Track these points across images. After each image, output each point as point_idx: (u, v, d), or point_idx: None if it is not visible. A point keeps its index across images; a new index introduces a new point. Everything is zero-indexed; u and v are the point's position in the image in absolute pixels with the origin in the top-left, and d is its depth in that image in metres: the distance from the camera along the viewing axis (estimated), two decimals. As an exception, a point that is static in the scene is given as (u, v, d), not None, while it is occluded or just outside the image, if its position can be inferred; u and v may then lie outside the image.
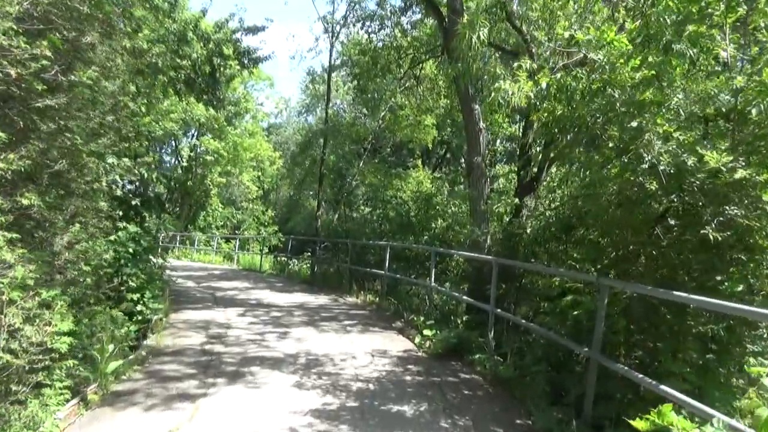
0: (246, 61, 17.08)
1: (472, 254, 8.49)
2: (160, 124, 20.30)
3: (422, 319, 8.26)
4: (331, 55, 16.92)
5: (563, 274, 5.82)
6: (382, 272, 11.31)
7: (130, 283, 8.60)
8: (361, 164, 17.22)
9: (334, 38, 17.04)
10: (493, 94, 5.13)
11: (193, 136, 28.61)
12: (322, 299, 11.51)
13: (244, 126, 30.98)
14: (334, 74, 19.76)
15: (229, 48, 16.69)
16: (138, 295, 8.98)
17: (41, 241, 5.59)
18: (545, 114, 4.68)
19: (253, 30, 16.82)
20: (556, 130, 4.95)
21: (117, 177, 9.70)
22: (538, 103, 4.57)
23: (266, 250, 26.43)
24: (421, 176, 17.01)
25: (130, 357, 6.08)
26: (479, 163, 9.62)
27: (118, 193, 9.39)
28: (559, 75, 4.29)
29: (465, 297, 7.92)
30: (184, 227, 29.28)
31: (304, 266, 17.46)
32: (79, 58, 6.03)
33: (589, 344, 4.63)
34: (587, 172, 4.93)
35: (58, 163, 5.07)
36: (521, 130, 11.62)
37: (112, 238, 9.59)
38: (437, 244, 13.34)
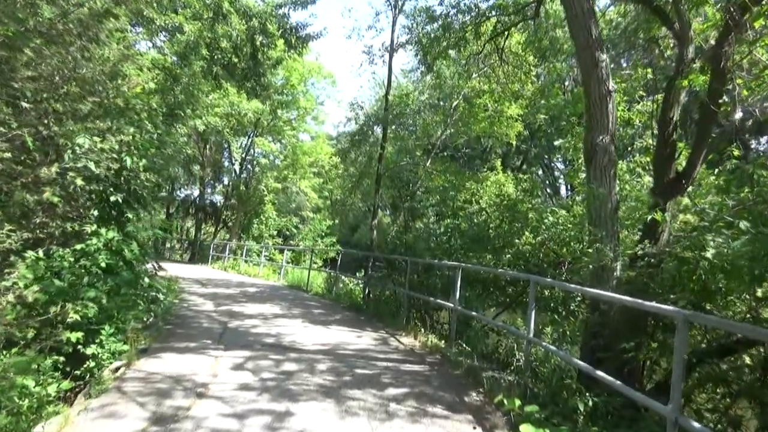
0: (293, 40, 14.44)
1: (621, 296, 4.99)
2: (204, 119, 18.11)
3: (517, 400, 4.87)
4: (393, 31, 13.93)
5: None
6: (451, 304, 8.02)
7: (73, 314, 5.83)
8: (428, 163, 14.04)
9: (397, 11, 14.05)
10: None
11: (248, 137, 26.55)
12: (366, 339, 8.36)
13: (304, 128, 28.67)
14: (397, 74, 16.79)
15: (274, 24, 14.10)
16: (92, 332, 6.28)
17: None
18: None
19: (302, 3, 14.16)
20: None
21: (91, 163, 7.16)
22: None
23: (320, 263, 23.81)
24: (501, 179, 13.57)
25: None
26: (606, 145, 6.19)
27: (78, 184, 6.75)
28: None
29: (602, 374, 4.46)
30: (237, 236, 27.27)
31: (358, 287, 14.43)
32: None
33: None
34: None
35: None
36: (660, 104, 7.99)
37: (78, 246, 7.02)
38: (521, 266, 10.01)
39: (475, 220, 10.18)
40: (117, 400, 4.76)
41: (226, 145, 26.35)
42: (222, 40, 14.21)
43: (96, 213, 7.46)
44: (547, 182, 34.38)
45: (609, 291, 5.58)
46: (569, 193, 32.89)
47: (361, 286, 14.18)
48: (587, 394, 4.99)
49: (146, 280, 8.05)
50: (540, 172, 33.42)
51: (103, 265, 6.96)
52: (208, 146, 28.12)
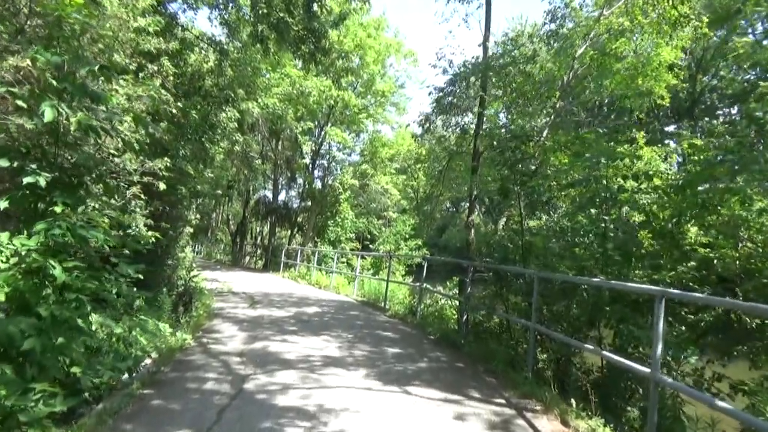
0: (359, -17, 11.04)
1: None
2: (260, 101, 15.17)
3: None
4: (492, -43, 10.07)
5: None
6: (645, 369, 4.11)
7: None
8: (545, 134, 10.06)
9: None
10: None
11: (320, 127, 23.55)
12: (474, 424, 4.62)
13: (384, 117, 25.26)
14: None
15: (332, -39, 10.78)
16: None
17: None
18: None
19: (368, -69, 10.74)
20: None
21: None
22: None
23: (403, 271, 20.33)
24: (647, 153, 9.30)
25: None
26: None
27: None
28: None
29: None
30: (312, 240, 24.44)
31: (450, 307, 10.74)
32: None
33: None
34: None
35: None
36: None
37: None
38: (696, 284, 6.06)
39: (652, 214, 6.18)
40: None
41: (293, 138, 23.50)
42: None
43: (6, 204, 4.38)
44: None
45: None
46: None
47: (454, 302, 10.49)
48: None
49: (97, 316, 4.82)
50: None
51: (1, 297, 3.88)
52: (279, 142, 25.59)
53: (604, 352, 4.88)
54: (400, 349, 7.51)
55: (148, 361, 5.95)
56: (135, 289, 5.85)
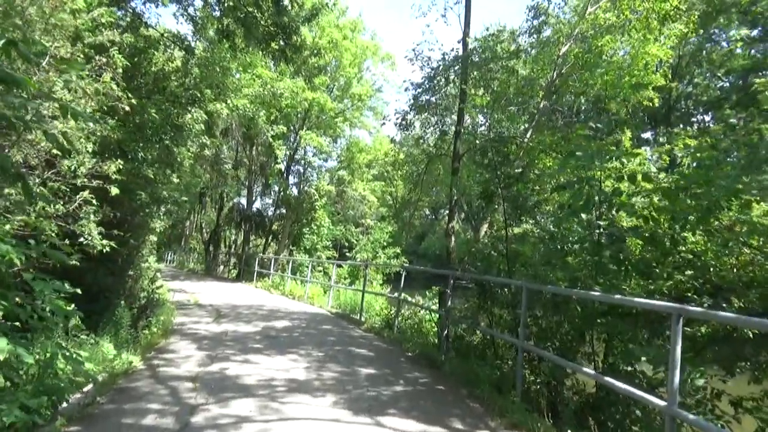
0: (331, -26, 10.38)
1: None
2: (229, 102, 14.38)
3: None
4: (471, -51, 9.50)
5: None
6: (659, 402, 3.48)
7: None
8: (528, 135, 9.51)
9: None
10: None
11: (295, 131, 22.75)
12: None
13: (361, 122, 24.61)
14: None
15: (302, -49, 10.13)
16: None
17: None
18: None
19: None
20: None
21: None
22: None
23: (381, 280, 19.65)
24: (641, 153, 8.80)
25: None
26: None
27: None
28: None
29: None
30: (287, 248, 23.60)
31: (430, 320, 10.09)
32: None
33: None
34: None
35: None
36: None
37: None
38: (693, 296, 5.54)
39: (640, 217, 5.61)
40: None
41: (268, 144, 22.70)
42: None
43: None
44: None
45: None
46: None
47: (434, 315, 9.84)
48: None
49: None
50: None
51: None
52: (254, 148, 24.74)
53: (608, 379, 4.24)
54: (375, 370, 6.80)
55: (89, 387, 5.15)
56: (73, 305, 5.07)
